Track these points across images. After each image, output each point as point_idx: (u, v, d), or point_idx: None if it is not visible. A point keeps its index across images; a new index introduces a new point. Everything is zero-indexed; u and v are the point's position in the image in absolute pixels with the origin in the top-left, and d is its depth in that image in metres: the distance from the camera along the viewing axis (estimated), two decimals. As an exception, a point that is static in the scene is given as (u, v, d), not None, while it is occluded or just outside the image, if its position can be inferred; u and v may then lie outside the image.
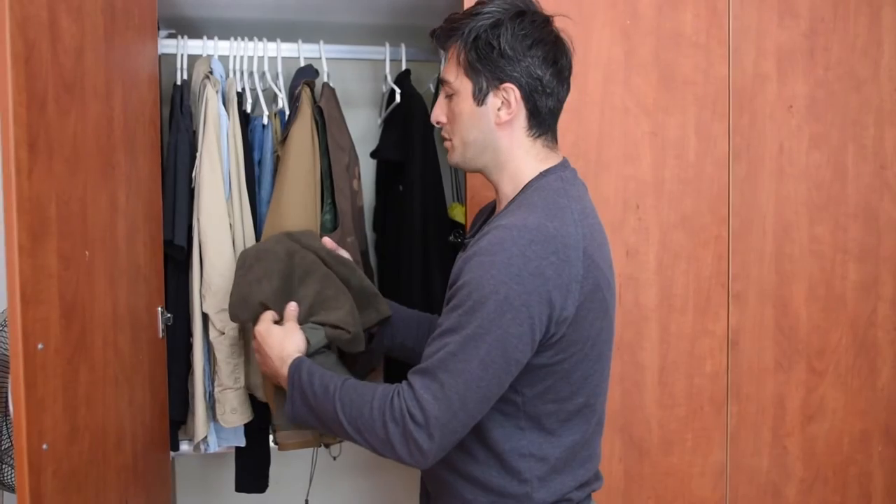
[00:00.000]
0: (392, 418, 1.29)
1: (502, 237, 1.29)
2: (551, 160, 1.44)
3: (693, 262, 2.04)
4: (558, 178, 1.41)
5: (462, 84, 1.42)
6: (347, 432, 1.36)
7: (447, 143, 1.49)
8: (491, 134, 1.42)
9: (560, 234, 1.30)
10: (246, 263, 1.72)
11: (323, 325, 1.62)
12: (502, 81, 1.39)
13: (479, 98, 1.41)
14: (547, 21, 1.43)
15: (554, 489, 1.40)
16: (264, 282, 1.66)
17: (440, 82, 1.49)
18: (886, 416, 2.18)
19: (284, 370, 1.48)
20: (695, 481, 2.08)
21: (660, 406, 2.04)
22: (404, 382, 1.32)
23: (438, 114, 1.49)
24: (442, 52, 1.52)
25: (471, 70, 1.40)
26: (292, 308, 1.63)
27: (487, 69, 1.39)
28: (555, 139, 1.46)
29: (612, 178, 1.99)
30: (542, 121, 1.43)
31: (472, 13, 1.41)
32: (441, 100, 1.48)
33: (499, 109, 1.40)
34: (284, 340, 1.54)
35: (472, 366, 1.26)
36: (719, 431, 2.08)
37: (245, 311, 1.67)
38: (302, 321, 1.63)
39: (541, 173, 1.42)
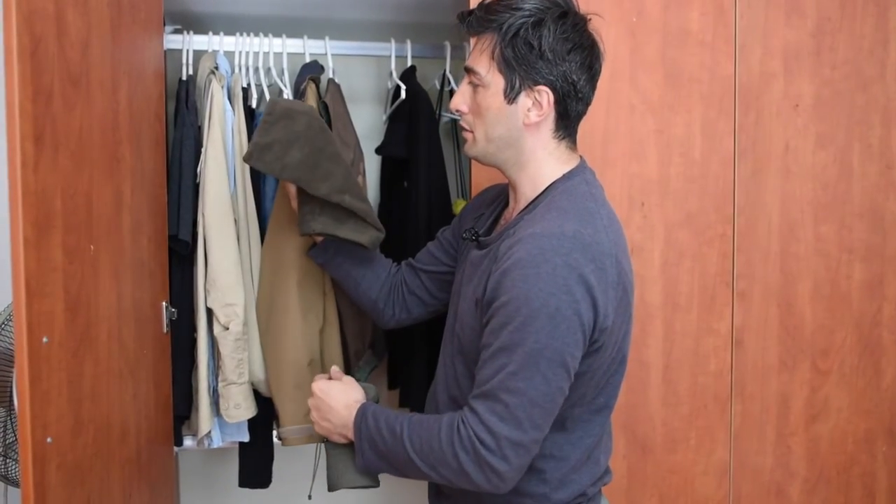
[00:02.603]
0: (462, 447, 1.28)
1: (542, 247, 1.27)
2: (572, 161, 1.43)
3: (698, 261, 2.04)
4: (583, 182, 1.40)
5: (493, 79, 1.38)
6: (422, 471, 1.34)
7: (466, 135, 1.46)
8: (517, 133, 1.39)
9: (595, 242, 1.29)
10: (276, 113, 1.66)
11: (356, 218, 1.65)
12: (537, 83, 1.36)
13: (511, 96, 1.37)
14: (586, 24, 1.39)
15: (572, 489, 1.40)
16: (295, 146, 1.62)
17: (466, 70, 1.44)
18: (891, 417, 2.17)
19: (351, 419, 1.45)
20: (698, 480, 2.07)
21: (664, 404, 2.04)
22: (466, 409, 1.31)
23: (460, 102, 1.44)
24: (470, 38, 1.46)
25: (505, 66, 1.36)
26: (336, 370, 1.63)
27: (523, 68, 1.35)
28: (575, 140, 1.45)
29: (617, 176, 1.99)
30: (569, 124, 1.41)
31: (513, 7, 1.36)
32: (464, 88, 1.44)
33: (529, 110, 1.37)
34: (348, 391, 1.52)
35: (535, 382, 1.25)
36: (723, 430, 2.08)
37: (261, 163, 1.64)
38: (325, 195, 1.62)
39: (565, 175, 1.40)
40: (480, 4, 1.42)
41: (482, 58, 1.39)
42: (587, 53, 1.38)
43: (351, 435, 1.45)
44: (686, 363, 2.05)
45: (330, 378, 1.60)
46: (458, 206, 2.32)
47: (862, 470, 2.17)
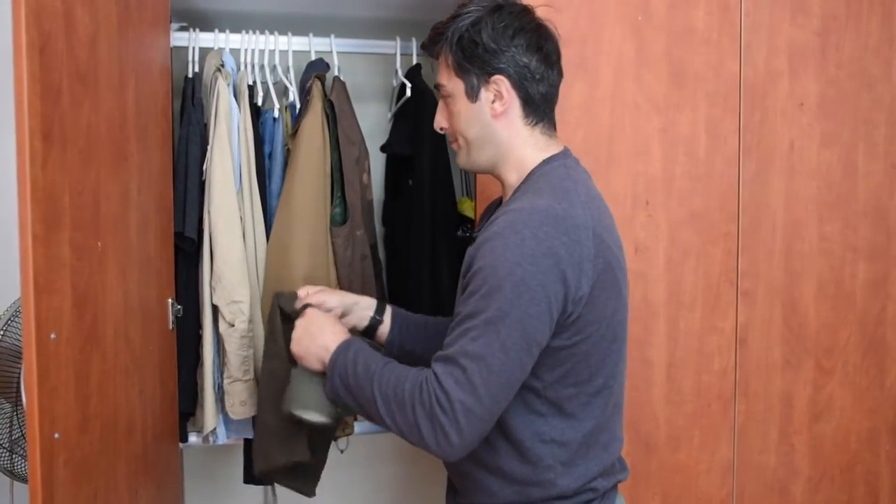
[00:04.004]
0: (420, 402, 1.29)
1: (513, 220, 1.30)
2: (552, 148, 1.46)
3: (702, 259, 2.04)
4: (562, 165, 1.43)
5: (455, 85, 1.45)
6: (381, 413, 1.34)
7: (454, 146, 1.52)
8: (489, 128, 1.44)
9: (569, 216, 1.31)
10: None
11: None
12: (491, 74, 1.41)
13: (473, 95, 1.43)
14: (526, 10, 1.45)
15: (577, 475, 1.40)
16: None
17: (436, 88, 1.52)
18: (894, 416, 2.17)
19: (334, 344, 1.46)
20: (702, 478, 2.08)
21: (667, 402, 2.04)
22: (430, 369, 1.32)
23: (440, 120, 1.51)
24: (434, 60, 1.55)
25: (460, 70, 1.43)
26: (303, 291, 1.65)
27: (475, 65, 1.42)
28: (553, 127, 1.48)
29: (622, 174, 1.99)
30: (537, 107, 1.44)
31: (454, 16, 1.45)
32: (440, 105, 1.51)
33: (493, 102, 1.42)
34: (338, 324, 1.55)
35: (494, 350, 1.27)
36: (727, 428, 2.08)
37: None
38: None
39: (544, 160, 1.44)
40: (431, 27, 1.50)
41: (442, 70, 1.48)
42: (531, 35, 1.42)
43: (327, 359, 1.46)
44: (690, 362, 2.05)
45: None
46: (463, 204, 2.32)
47: (865, 469, 2.17)
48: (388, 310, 1.74)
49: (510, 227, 1.29)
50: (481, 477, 1.43)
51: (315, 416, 1.52)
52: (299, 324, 1.56)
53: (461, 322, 1.31)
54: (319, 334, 1.51)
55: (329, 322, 1.55)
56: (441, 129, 1.52)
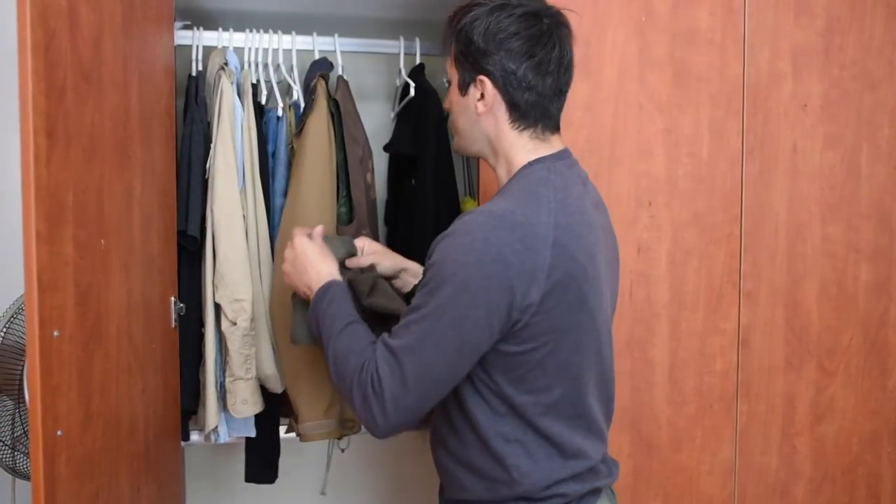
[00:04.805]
0: (359, 381, 1.35)
1: (469, 221, 1.31)
2: (543, 150, 1.43)
3: (705, 260, 2.04)
4: (545, 168, 1.40)
5: (453, 74, 1.47)
6: (329, 369, 1.43)
7: (453, 129, 1.54)
8: (476, 123, 1.45)
9: (529, 222, 1.30)
10: None
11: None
12: (478, 73, 1.41)
13: (463, 89, 1.45)
14: (530, 15, 1.40)
15: (542, 476, 1.38)
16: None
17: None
18: (896, 417, 2.18)
19: (316, 287, 1.55)
20: (703, 479, 2.08)
21: (669, 403, 2.04)
22: (374, 352, 1.38)
23: (447, 101, 1.54)
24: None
25: (456, 61, 1.45)
26: (319, 230, 1.69)
27: (468, 61, 1.42)
28: (548, 130, 1.44)
29: (624, 175, 1.99)
30: (525, 114, 1.42)
31: (468, 6, 1.44)
32: (450, 88, 1.53)
33: (477, 100, 1.43)
34: (324, 258, 1.61)
35: (426, 345, 1.30)
36: (728, 429, 2.08)
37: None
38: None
39: (529, 162, 1.42)
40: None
41: (449, 57, 1.49)
42: (524, 42, 1.39)
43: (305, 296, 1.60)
44: (692, 362, 2.05)
45: (310, 236, 1.67)
46: (466, 204, 2.32)
47: (867, 470, 2.17)
48: None
49: (464, 227, 1.31)
50: (455, 470, 1.44)
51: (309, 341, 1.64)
52: (288, 255, 1.64)
53: (409, 312, 1.35)
54: (305, 273, 1.60)
55: (314, 258, 1.60)
56: (447, 109, 1.55)
